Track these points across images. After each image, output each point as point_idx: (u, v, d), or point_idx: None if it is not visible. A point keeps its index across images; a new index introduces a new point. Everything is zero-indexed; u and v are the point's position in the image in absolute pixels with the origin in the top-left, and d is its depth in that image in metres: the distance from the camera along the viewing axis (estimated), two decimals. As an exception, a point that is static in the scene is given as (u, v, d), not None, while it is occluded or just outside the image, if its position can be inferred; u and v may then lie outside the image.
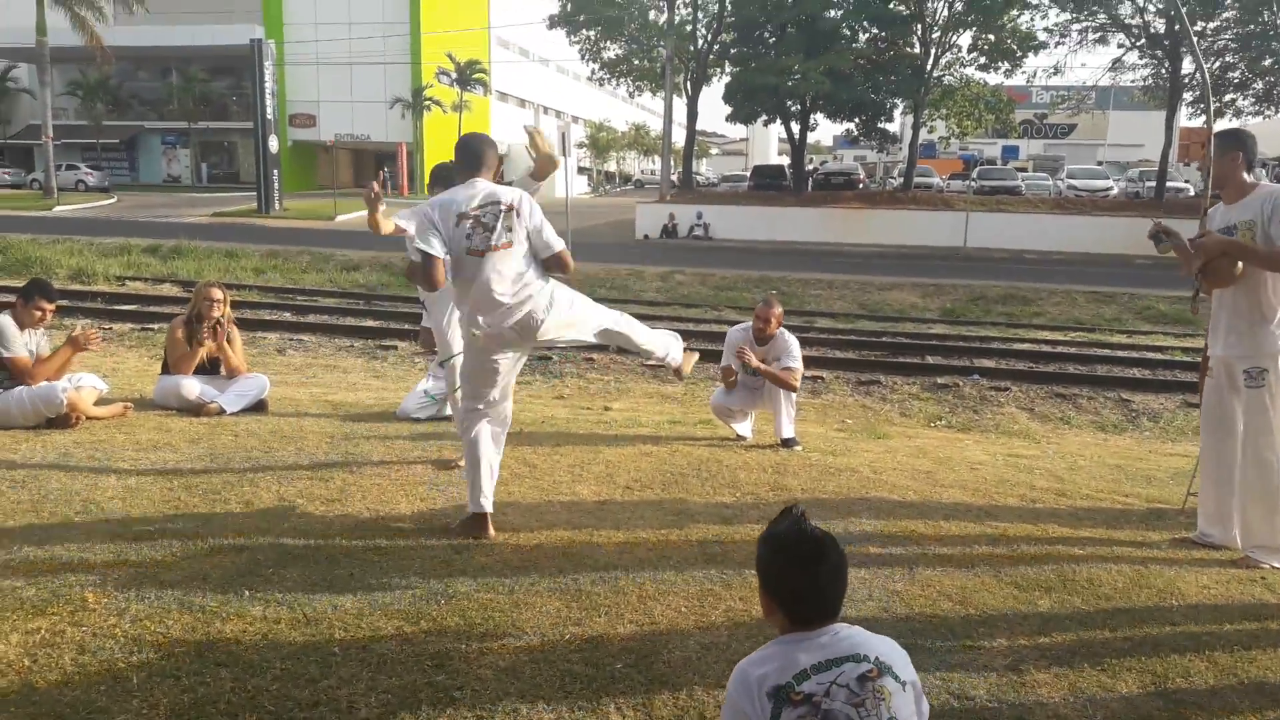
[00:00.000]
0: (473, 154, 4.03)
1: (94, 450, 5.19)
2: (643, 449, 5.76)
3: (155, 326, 11.99)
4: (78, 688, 2.71)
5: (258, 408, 6.49)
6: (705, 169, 75.17)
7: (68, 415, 5.70)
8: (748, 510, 4.65)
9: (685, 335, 13.02)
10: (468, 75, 49.66)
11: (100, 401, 6.08)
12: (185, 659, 2.91)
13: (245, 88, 42.09)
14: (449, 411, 6.67)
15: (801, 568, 2.06)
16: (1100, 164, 48.65)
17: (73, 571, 3.53)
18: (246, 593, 3.42)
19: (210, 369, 6.54)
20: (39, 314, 5.83)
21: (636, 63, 44.08)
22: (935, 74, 37.33)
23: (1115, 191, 38.88)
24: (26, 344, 5.77)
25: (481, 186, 3.93)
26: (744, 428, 6.26)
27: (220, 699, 2.70)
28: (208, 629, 3.12)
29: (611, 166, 75.22)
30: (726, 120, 41.54)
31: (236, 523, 4.18)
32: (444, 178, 5.17)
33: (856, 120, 40.30)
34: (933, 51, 36.76)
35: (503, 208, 3.90)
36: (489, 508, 4.16)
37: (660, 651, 3.10)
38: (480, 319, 3.93)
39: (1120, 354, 12.93)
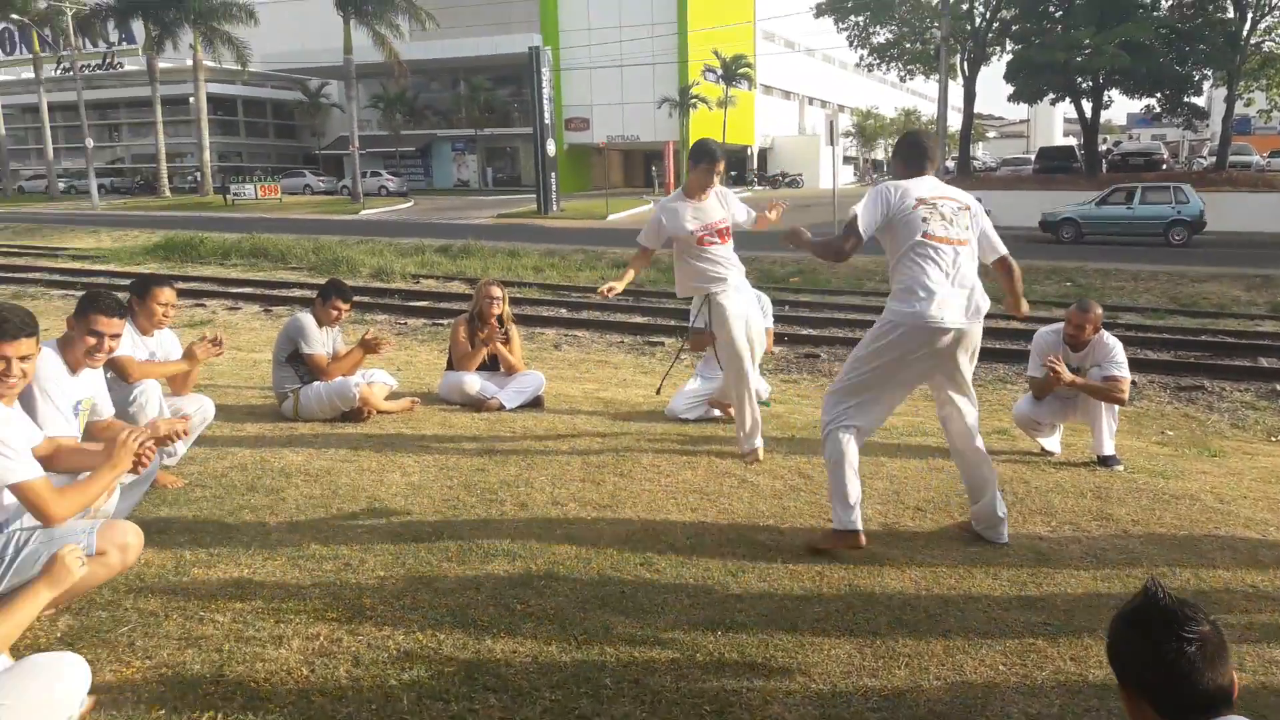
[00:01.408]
0: (923, 150, 3.98)
1: (382, 445, 5.36)
2: (932, 463, 5.20)
3: (444, 322, 12.65)
4: (351, 704, 2.64)
5: (535, 404, 6.54)
6: (981, 153, 71.16)
7: (360, 409, 5.95)
8: (1067, 544, 4.00)
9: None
10: (733, 70, 49.75)
11: (390, 396, 6.32)
12: (455, 680, 2.77)
13: (525, 95, 44.38)
14: (717, 412, 6.43)
15: (1160, 644, 1.65)
16: None
17: (354, 573, 3.55)
18: (518, 607, 3.27)
19: (491, 365, 6.67)
20: (335, 313, 6.11)
21: (908, 46, 42.34)
22: (1253, 40, 32.97)
23: None
24: (323, 342, 6.07)
25: (933, 182, 3.89)
26: (1051, 442, 5.52)
27: (488, 731, 2.53)
28: (478, 646, 2.98)
29: (879, 154, 72.91)
30: (1008, 100, 39.00)
31: (510, 527, 4.09)
32: (703, 153, 5.05)
33: (1157, 95, 36.46)
34: (1249, 15, 32.48)
35: (958, 205, 3.82)
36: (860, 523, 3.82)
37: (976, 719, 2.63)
38: (926, 307, 3.63)
39: None
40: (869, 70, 48.03)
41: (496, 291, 6.61)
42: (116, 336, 3.71)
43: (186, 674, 2.77)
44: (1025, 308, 4.14)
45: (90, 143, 45.14)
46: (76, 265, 20.66)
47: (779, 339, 11.19)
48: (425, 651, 2.94)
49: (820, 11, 41.74)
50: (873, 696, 2.73)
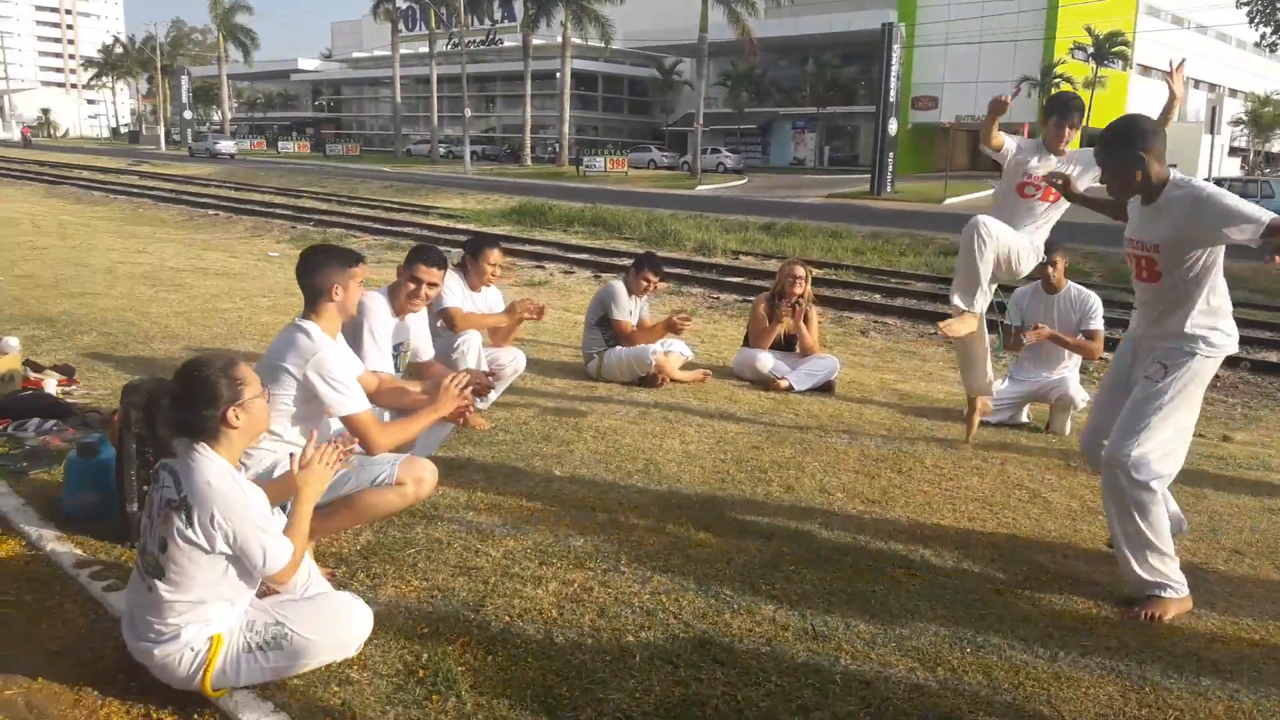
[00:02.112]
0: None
1: (668, 411, 5.56)
2: (1267, 503, 4.54)
3: (755, 299, 12.81)
4: (588, 652, 2.79)
5: (825, 388, 6.48)
6: None
7: (655, 376, 6.21)
8: None
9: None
10: (1106, 49, 45.52)
11: (685, 366, 6.53)
12: (687, 647, 2.85)
13: (873, 72, 43.40)
14: (1024, 418, 6.01)
15: None
16: None
17: (618, 528, 3.74)
18: (763, 587, 3.29)
19: (786, 345, 6.69)
20: (645, 284, 6.41)
21: (1329, 21, 36.57)
22: None
23: None
24: (630, 310, 6.38)
25: None
26: None
27: (708, 702, 2.58)
28: (716, 619, 3.04)
29: (1277, 146, 63.69)
30: None
31: (772, 508, 4.11)
32: (1054, 106, 4.68)
33: None
34: None
35: None
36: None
37: (1250, 798, 2.30)
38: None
39: None
40: (1270, 50, 42.02)
41: (799, 271, 6.59)
42: (434, 285, 4.15)
43: (454, 599, 3.07)
44: None
45: (469, 112, 50.11)
46: (442, 223, 23.11)
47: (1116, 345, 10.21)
48: (665, 615, 3.05)
49: (1218, -17, 37.10)
50: (1127, 748, 2.48)
